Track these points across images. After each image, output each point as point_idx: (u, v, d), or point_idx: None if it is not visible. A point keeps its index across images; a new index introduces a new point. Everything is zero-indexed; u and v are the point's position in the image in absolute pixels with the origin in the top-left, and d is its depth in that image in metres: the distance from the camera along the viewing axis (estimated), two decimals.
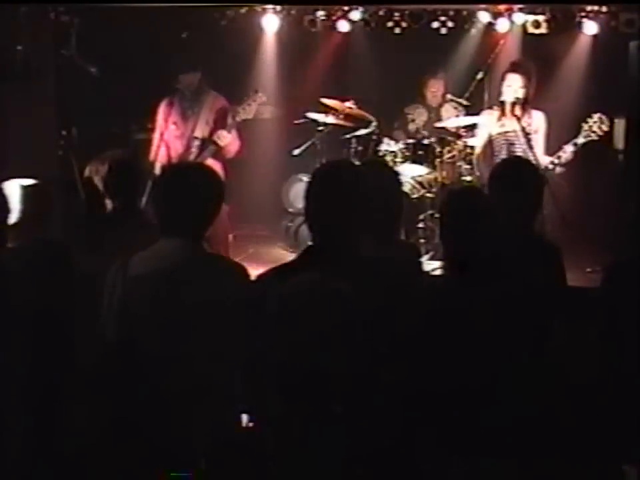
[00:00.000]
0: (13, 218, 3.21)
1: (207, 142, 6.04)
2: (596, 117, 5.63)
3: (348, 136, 7.32)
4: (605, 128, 5.64)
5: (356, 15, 7.69)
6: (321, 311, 2.11)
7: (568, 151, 5.67)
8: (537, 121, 5.93)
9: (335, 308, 2.13)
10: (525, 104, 5.88)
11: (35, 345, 2.89)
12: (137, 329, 2.87)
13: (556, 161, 5.69)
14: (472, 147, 6.74)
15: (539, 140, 5.88)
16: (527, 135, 5.75)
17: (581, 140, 5.63)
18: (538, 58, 6.66)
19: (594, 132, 5.61)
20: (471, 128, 6.87)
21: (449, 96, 7.50)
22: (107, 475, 2.77)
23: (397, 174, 3.86)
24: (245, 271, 2.98)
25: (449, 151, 7.06)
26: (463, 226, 2.93)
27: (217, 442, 2.57)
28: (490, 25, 7.56)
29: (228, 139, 5.97)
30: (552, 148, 5.84)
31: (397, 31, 7.63)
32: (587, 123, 5.65)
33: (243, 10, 7.64)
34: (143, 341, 2.87)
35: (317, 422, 2.09)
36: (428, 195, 6.99)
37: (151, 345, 2.86)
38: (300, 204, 7.28)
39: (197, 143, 6.10)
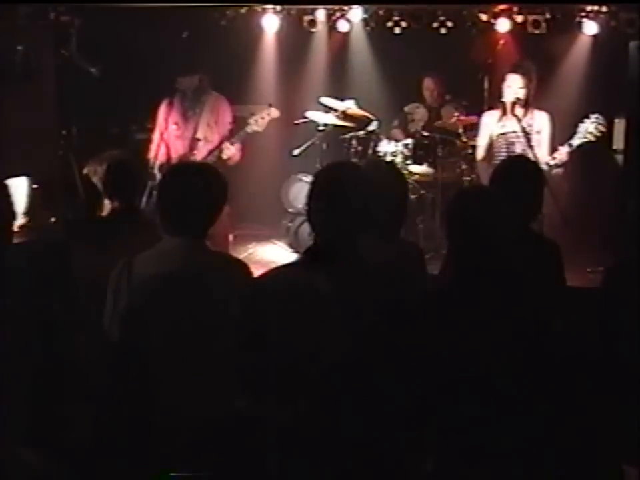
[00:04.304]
0: (14, 217, 3.21)
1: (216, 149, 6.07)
2: (592, 117, 5.63)
3: (348, 136, 7.32)
4: (601, 129, 5.63)
5: (356, 14, 7.69)
6: (292, 308, 2.10)
7: (563, 151, 5.67)
8: (541, 121, 5.92)
9: (308, 307, 2.12)
10: (526, 104, 5.88)
11: (35, 344, 2.89)
12: (142, 328, 2.87)
13: (551, 162, 5.69)
14: (472, 147, 6.74)
15: (542, 140, 5.87)
16: (527, 135, 5.75)
17: (576, 141, 5.63)
18: (538, 58, 6.66)
19: (590, 133, 5.60)
20: (472, 128, 6.87)
21: (449, 96, 7.50)
22: (107, 474, 2.77)
23: (401, 174, 3.86)
24: (247, 269, 3.00)
25: (449, 151, 7.06)
26: (472, 225, 2.92)
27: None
28: (490, 25, 7.56)
29: (232, 152, 6.01)
30: (554, 148, 5.85)
31: (397, 31, 7.61)
32: (583, 123, 5.64)
33: (243, 10, 7.63)
34: (148, 339, 2.87)
35: (286, 418, 2.08)
36: (428, 195, 6.99)
37: (156, 343, 2.87)
38: (300, 204, 7.28)
39: (200, 144, 6.11)
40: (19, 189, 3.43)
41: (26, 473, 1.85)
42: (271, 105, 6.22)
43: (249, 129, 6.05)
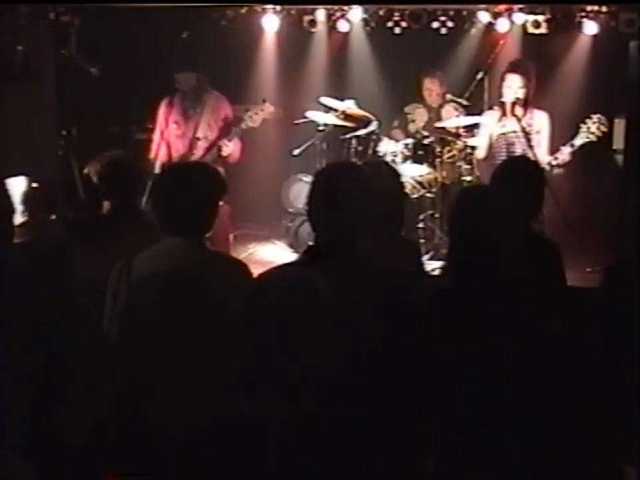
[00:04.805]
0: (14, 217, 3.21)
1: (214, 147, 6.06)
2: (594, 117, 5.63)
3: (348, 136, 7.32)
4: (603, 129, 5.64)
5: (356, 14, 7.70)
6: (292, 308, 2.10)
7: (565, 151, 5.67)
8: (540, 121, 5.92)
9: (307, 306, 2.12)
10: (526, 104, 5.88)
11: (34, 344, 2.89)
12: (142, 328, 2.87)
13: (554, 162, 5.69)
14: (472, 147, 6.74)
15: (541, 140, 5.88)
16: (527, 135, 5.75)
17: (578, 141, 5.63)
18: (538, 58, 6.66)
19: (592, 133, 5.60)
20: (472, 128, 6.88)
21: (449, 96, 7.50)
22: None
23: (398, 174, 3.87)
24: (247, 269, 3.01)
25: (449, 151, 7.06)
26: (475, 226, 2.91)
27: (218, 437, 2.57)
28: (490, 25, 7.56)
29: (230, 149, 6.01)
30: (554, 148, 5.85)
31: (397, 31, 7.64)
32: (585, 124, 5.65)
33: (243, 10, 7.64)
34: (147, 338, 2.87)
35: (290, 417, 2.08)
36: (428, 194, 6.99)
37: (155, 344, 2.86)
38: (300, 204, 7.28)
39: (200, 143, 6.11)
40: (19, 187, 3.43)
41: (12, 478, 1.84)
42: (264, 100, 6.21)
43: (243, 125, 6.05)
